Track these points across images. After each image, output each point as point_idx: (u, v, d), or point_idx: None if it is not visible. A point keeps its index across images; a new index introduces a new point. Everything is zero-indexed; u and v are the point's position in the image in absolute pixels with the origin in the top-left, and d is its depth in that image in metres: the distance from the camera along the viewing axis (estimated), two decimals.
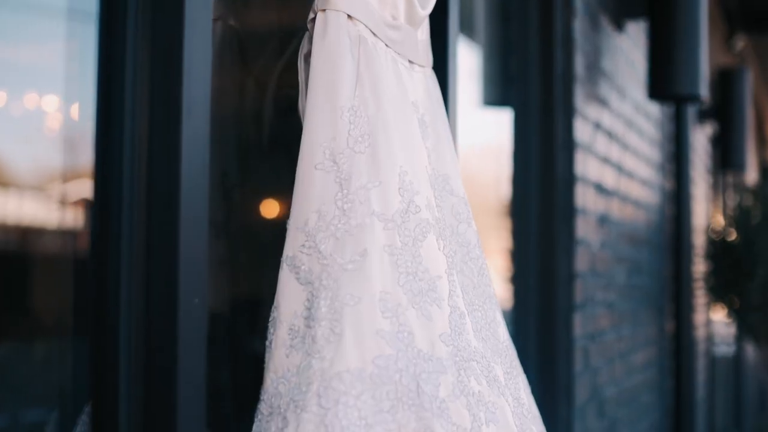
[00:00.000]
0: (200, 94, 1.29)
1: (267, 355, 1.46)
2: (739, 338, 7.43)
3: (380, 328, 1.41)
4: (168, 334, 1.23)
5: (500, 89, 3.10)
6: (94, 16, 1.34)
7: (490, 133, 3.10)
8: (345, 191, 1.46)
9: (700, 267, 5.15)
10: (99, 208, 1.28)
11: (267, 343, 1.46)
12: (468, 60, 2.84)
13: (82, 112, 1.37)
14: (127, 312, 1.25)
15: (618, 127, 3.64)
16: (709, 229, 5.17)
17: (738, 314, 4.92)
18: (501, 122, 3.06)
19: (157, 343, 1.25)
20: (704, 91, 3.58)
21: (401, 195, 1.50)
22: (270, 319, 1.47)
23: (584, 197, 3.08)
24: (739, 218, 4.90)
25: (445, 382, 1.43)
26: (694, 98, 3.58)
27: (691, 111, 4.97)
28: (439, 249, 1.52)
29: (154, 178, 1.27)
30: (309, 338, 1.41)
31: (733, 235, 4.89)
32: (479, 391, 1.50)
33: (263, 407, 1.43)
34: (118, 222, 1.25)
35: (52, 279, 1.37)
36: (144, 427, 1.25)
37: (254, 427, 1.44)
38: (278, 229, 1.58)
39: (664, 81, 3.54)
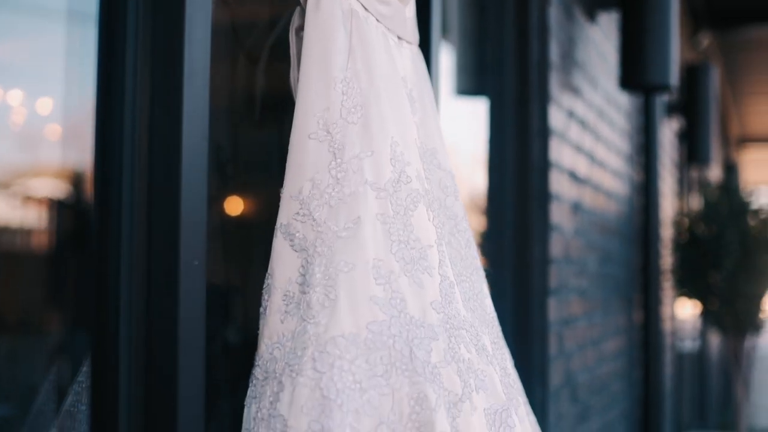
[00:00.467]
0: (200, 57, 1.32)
1: (261, 322, 1.49)
2: (704, 333, 7.57)
3: (374, 295, 1.45)
4: (169, 293, 1.26)
5: (474, 78, 3.15)
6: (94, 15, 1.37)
7: (463, 123, 3.15)
8: (338, 160, 1.50)
9: (668, 259, 5.25)
10: (101, 173, 1.31)
11: (261, 309, 1.50)
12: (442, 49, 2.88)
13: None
14: (128, 274, 1.27)
15: (590, 117, 3.72)
16: (677, 222, 5.27)
17: (705, 305, 5.02)
18: (475, 111, 3.11)
19: (159, 304, 1.28)
20: (674, 80, 3.66)
21: (393, 165, 1.54)
22: (264, 286, 1.50)
23: (559, 184, 3.15)
24: (706, 211, 5.00)
25: (437, 348, 1.47)
26: (665, 88, 3.66)
27: (659, 104, 5.07)
28: (429, 219, 1.57)
29: (154, 145, 1.30)
30: (304, 304, 1.45)
31: (701, 228, 4.99)
32: (469, 359, 1.54)
33: (258, 372, 1.47)
34: (119, 186, 1.28)
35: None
36: (145, 388, 1.28)
37: (249, 392, 1.48)
38: (271, 199, 1.62)
39: (636, 71, 3.62)
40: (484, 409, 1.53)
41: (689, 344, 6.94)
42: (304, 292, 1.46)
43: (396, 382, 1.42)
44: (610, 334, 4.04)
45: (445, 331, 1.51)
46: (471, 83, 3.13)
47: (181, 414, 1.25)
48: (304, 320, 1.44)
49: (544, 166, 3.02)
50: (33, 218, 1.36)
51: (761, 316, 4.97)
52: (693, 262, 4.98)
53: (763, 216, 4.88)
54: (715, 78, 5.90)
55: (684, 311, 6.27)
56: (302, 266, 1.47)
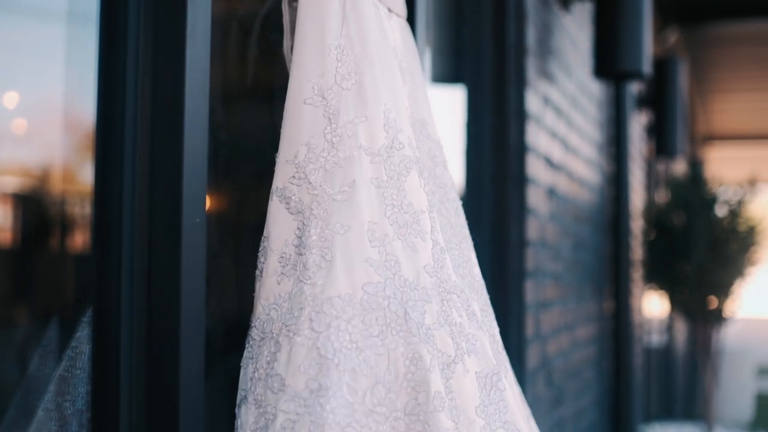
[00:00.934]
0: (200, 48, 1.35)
1: (257, 284, 1.52)
2: (671, 326, 7.69)
3: (369, 257, 1.49)
4: (171, 250, 1.29)
5: (450, 64, 3.19)
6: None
7: (440, 106, 3.19)
8: (333, 125, 1.54)
9: (638, 251, 5.34)
10: (103, 125, 1.33)
11: (257, 272, 1.53)
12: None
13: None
14: (130, 227, 1.30)
15: (564, 105, 3.78)
16: (646, 213, 5.36)
17: (674, 295, 5.12)
18: (451, 98, 3.15)
19: (160, 258, 1.30)
20: (647, 68, 3.74)
21: (386, 131, 1.58)
22: (260, 249, 1.53)
23: (535, 168, 3.20)
24: (675, 202, 5.09)
25: (430, 310, 1.52)
26: (638, 75, 3.74)
27: (629, 97, 5.16)
28: (420, 186, 1.61)
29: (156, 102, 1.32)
30: (300, 265, 1.48)
31: (670, 219, 5.08)
32: (460, 323, 1.59)
33: (254, 333, 1.50)
34: (121, 144, 1.30)
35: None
36: (147, 339, 1.31)
37: (245, 353, 1.51)
38: (263, 163, 1.65)
39: (609, 58, 3.69)
40: (476, 373, 1.58)
41: (656, 338, 7.04)
42: (300, 254, 1.49)
43: (391, 342, 1.45)
44: (582, 321, 4.11)
45: (437, 295, 1.55)
46: (447, 67, 3.17)
47: (183, 329, 1.28)
48: (301, 281, 1.47)
49: (521, 149, 3.08)
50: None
51: (730, 305, 5.07)
52: (663, 253, 5.07)
53: (731, 206, 4.99)
54: (683, 72, 6.00)
55: (652, 304, 6.37)
56: (298, 228, 1.51)
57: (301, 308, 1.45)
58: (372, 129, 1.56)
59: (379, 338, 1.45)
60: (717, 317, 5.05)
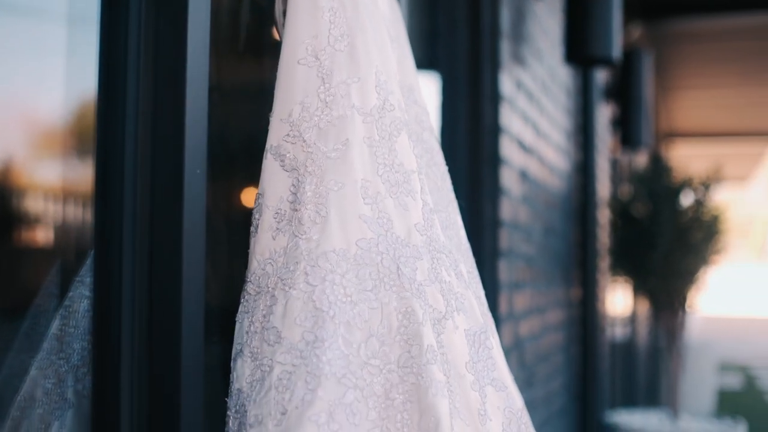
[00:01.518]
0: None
1: (252, 240, 1.56)
2: (634, 318, 7.81)
3: (362, 213, 1.53)
4: (172, 201, 1.33)
5: (426, 47, 3.24)
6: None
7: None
8: (327, 85, 1.58)
9: (605, 239, 5.43)
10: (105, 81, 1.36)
11: (252, 228, 1.57)
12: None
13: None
14: (132, 179, 1.33)
15: (536, 90, 3.85)
16: (613, 202, 5.46)
17: (641, 283, 5.21)
18: (426, 80, 3.20)
19: (161, 209, 1.34)
20: (617, 53, 3.82)
21: (377, 92, 1.62)
22: (255, 206, 1.57)
23: (508, 149, 3.27)
24: (641, 191, 5.19)
25: (421, 267, 1.56)
26: (608, 60, 3.82)
27: (597, 86, 5.25)
28: (410, 148, 1.66)
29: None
30: (295, 220, 1.53)
31: (636, 208, 5.18)
32: (449, 281, 1.64)
33: (250, 288, 1.54)
34: (124, 92, 1.34)
35: None
36: (149, 280, 1.34)
37: (240, 308, 1.55)
38: (254, 122, 1.69)
39: (580, 43, 3.76)
40: (465, 330, 1.63)
41: (619, 330, 7.16)
42: (295, 210, 1.53)
43: (384, 296, 1.50)
44: (552, 306, 4.18)
45: (428, 252, 1.60)
46: (423, 50, 3.22)
47: (185, 278, 1.32)
48: (296, 236, 1.52)
49: (495, 130, 3.14)
50: None
51: (695, 292, 5.18)
52: (629, 242, 5.16)
53: (697, 195, 5.09)
54: (648, 64, 6.11)
55: (616, 296, 6.47)
56: (293, 185, 1.55)
57: (297, 262, 1.50)
58: (364, 90, 1.61)
59: (373, 292, 1.50)
60: (683, 304, 5.15)
